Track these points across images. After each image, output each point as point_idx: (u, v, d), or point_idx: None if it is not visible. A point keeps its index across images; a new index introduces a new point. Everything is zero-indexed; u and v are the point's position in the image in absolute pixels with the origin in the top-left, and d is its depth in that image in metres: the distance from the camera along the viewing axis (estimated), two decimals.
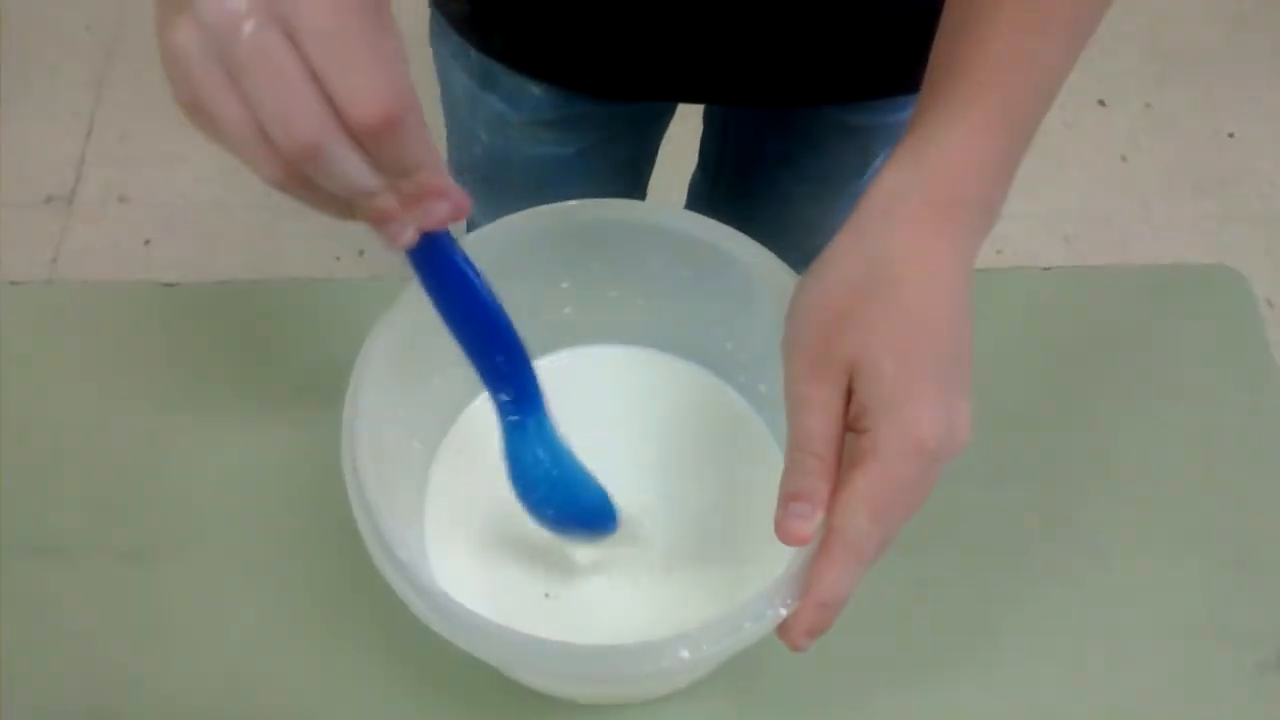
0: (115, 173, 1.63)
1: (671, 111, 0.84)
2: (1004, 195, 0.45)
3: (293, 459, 0.59)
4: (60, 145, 1.65)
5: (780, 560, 0.52)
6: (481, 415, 0.57)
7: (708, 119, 0.89)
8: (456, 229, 0.41)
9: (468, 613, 0.42)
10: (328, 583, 0.56)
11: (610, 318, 0.57)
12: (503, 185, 0.82)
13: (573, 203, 0.52)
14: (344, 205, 0.37)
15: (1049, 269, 0.66)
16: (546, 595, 0.53)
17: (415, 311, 0.49)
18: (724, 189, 0.91)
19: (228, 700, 0.54)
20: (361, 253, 1.55)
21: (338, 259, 1.54)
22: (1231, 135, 1.66)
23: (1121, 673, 0.55)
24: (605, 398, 0.58)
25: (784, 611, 0.41)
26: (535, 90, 0.71)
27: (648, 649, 0.41)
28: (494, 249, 0.50)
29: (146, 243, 1.58)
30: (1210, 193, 1.62)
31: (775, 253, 0.50)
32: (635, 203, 0.53)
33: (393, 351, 0.48)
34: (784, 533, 0.41)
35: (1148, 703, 0.55)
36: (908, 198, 0.43)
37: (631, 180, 0.89)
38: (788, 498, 0.41)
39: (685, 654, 0.40)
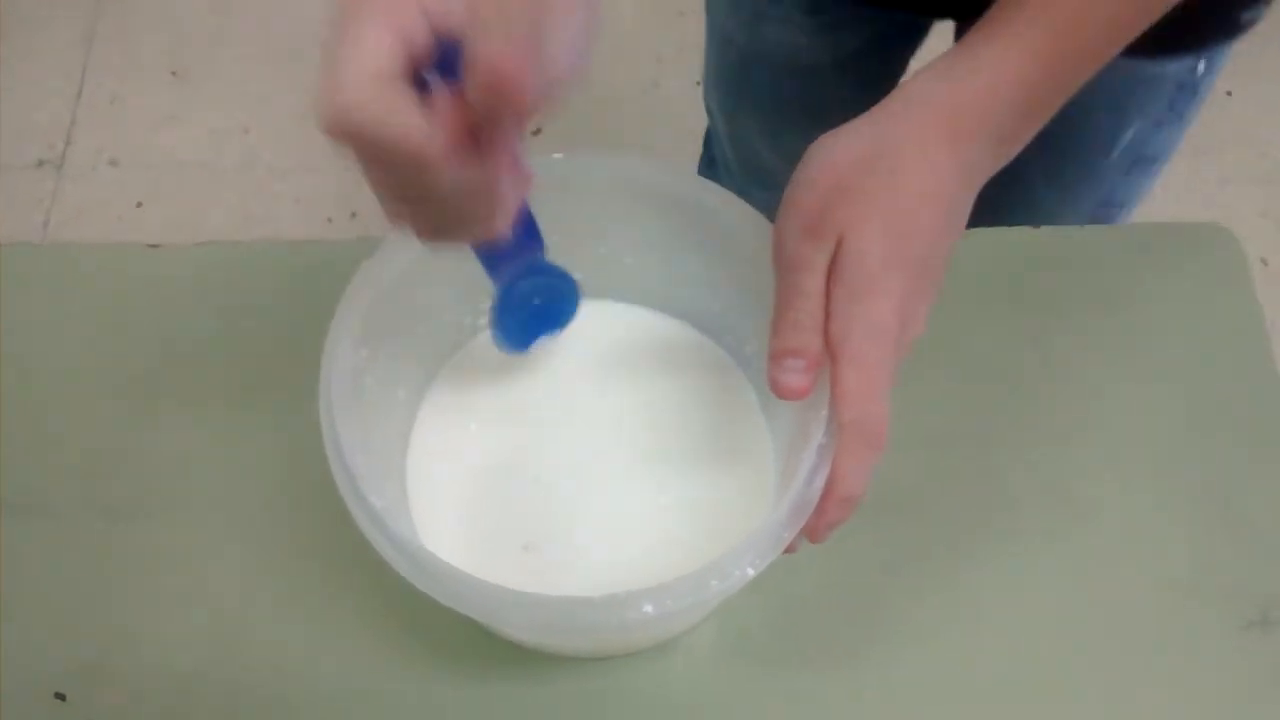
0: (105, 135, 1.62)
1: (917, 41, 0.83)
2: (1028, 131, 0.46)
3: (278, 419, 0.59)
4: (50, 108, 1.64)
5: (760, 517, 0.52)
6: (468, 365, 0.58)
7: None
8: None
9: (432, 557, 0.42)
10: (312, 541, 0.56)
11: (598, 274, 0.57)
12: (756, 96, 0.85)
13: (557, 156, 0.51)
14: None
15: (1039, 227, 0.66)
16: (525, 548, 0.53)
17: (398, 260, 0.49)
18: None
19: (210, 658, 0.54)
20: (353, 215, 1.54)
21: (329, 220, 1.53)
22: (1229, 94, 1.65)
23: (1107, 631, 0.55)
24: (593, 352, 0.58)
25: (751, 572, 0.42)
26: None
27: (612, 602, 0.41)
28: None
29: (138, 205, 1.57)
30: (1208, 153, 1.61)
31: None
32: (621, 158, 0.52)
33: (374, 298, 0.48)
34: (780, 388, 0.43)
35: (1134, 661, 0.55)
36: (929, 104, 0.45)
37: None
38: (782, 353, 0.43)
39: (649, 609, 0.41)
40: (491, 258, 0.49)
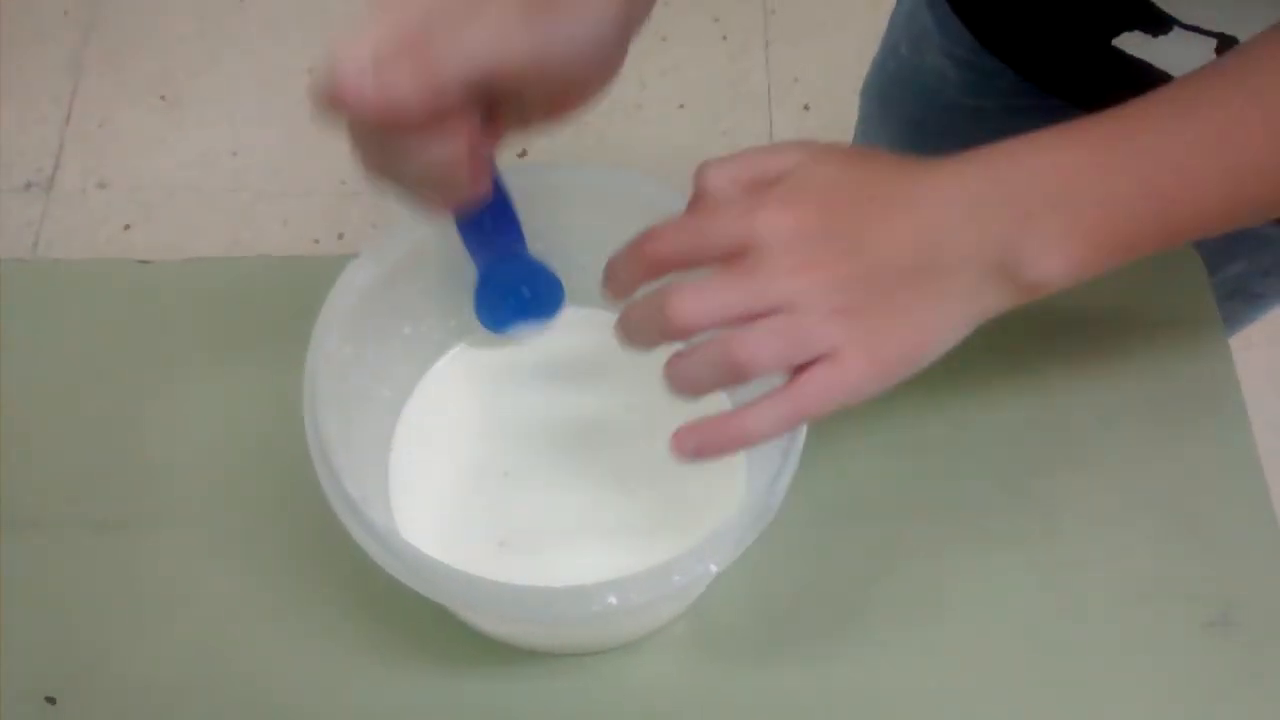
0: (94, 158, 1.63)
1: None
2: (1045, 222, 0.43)
3: (266, 431, 0.60)
4: (39, 131, 1.65)
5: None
6: (453, 367, 0.59)
7: None
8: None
9: (406, 544, 0.44)
10: (299, 554, 0.57)
11: (579, 281, 0.58)
12: (896, 110, 0.86)
13: (541, 164, 0.53)
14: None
15: None
16: (501, 545, 0.54)
17: (384, 261, 0.51)
18: None
19: (198, 668, 0.55)
20: (340, 236, 1.55)
21: (316, 241, 1.55)
22: None
23: (1073, 634, 0.57)
24: (573, 357, 0.59)
25: (714, 568, 0.43)
26: (959, 27, 0.73)
27: (577, 593, 0.43)
28: None
29: (126, 228, 1.59)
30: None
31: None
32: (603, 170, 0.54)
33: (360, 297, 0.50)
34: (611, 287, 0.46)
35: (1098, 661, 0.56)
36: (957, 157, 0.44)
37: None
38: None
39: (613, 600, 0.42)
40: (472, 238, 0.52)
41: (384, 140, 0.41)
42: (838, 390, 0.41)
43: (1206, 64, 0.44)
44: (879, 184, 0.43)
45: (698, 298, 0.41)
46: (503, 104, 0.43)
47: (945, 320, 0.43)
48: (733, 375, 0.41)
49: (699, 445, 0.42)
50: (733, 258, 0.41)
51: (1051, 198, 0.42)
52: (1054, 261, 0.42)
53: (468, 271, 0.54)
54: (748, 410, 0.41)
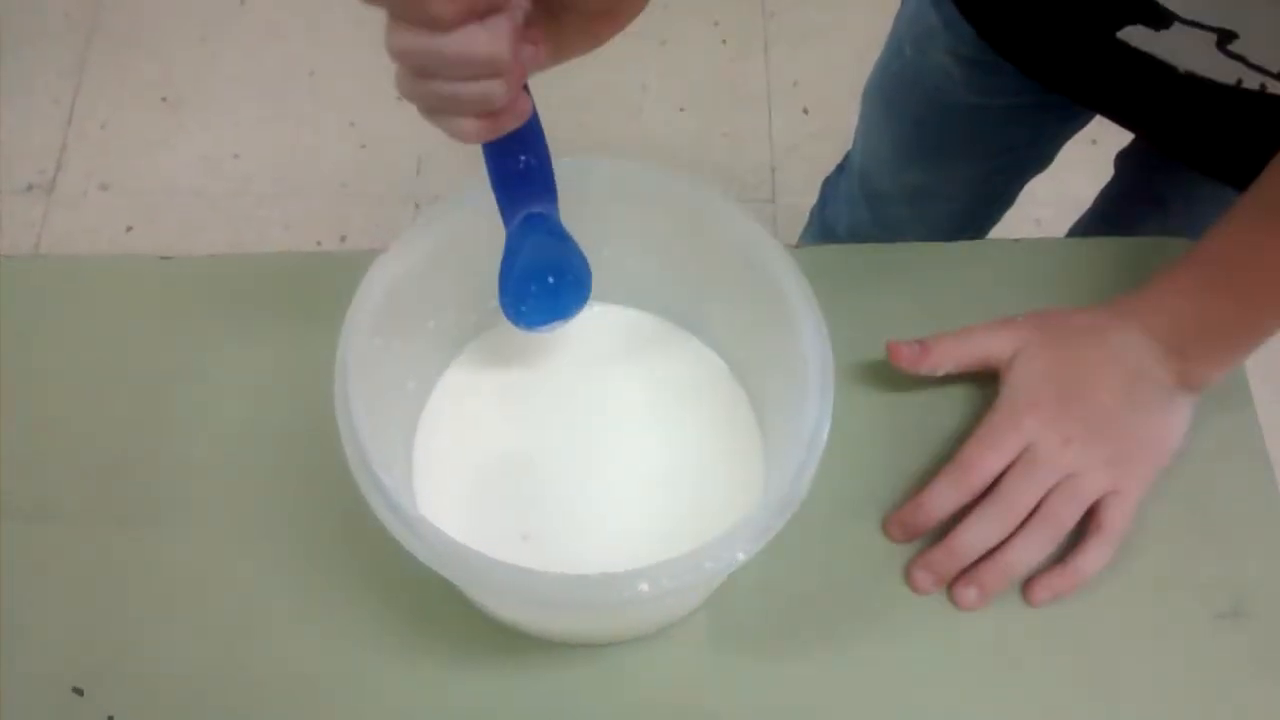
0: (96, 160, 1.63)
1: (1079, 119, 0.85)
2: (1203, 344, 0.59)
3: (288, 424, 0.60)
4: (41, 133, 1.65)
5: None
6: (475, 361, 0.60)
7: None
8: None
9: (448, 538, 0.44)
10: (322, 545, 0.58)
11: (600, 277, 0.58)
12: (899, 110, 0.90)
13: (566, 160, 0.53)
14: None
15: (1018, 240, 0.69)
16: (524, 537, 0.55)
17: (411, 255, 0.51)
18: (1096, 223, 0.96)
19: (224, 658, 0.56)
20: (343, 238, 1.56)
21: (319, 244, 1.55)
22: None
23: (1086, 623, 0.58)
24: (594, 352, 0.60)
25: (742, 556, 0.44)
26: (965, 25, 0.75)
27: (609, 580, 0.43)
28: (488, 205, 0.51)
29: (128, 230, 1.59)
30: None
31: None
32: (625, 163, 0.54)
33: (389, 291, 0.50)
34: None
35: (1112, 652, 0.57)
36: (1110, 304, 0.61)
37: (1007, 173, 0.93)
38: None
39: (645, 587, 0.43)
40: (502, 183, 0.49)
41: (429, 41, 0.39)
42: (1132, 513, 0.58)
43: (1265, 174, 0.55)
44: (1082, 350, 0.59)
45: (938, 501, 0.58)
46: (544, 21, 0.43)
47: (1177, 425, 0.59)
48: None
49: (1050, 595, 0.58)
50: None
51: (1198, 338, 0.59)
52: (1215, 376, 0.60)
53: (491, 267, 0.55)
54: (1079, 562, 0.57)
